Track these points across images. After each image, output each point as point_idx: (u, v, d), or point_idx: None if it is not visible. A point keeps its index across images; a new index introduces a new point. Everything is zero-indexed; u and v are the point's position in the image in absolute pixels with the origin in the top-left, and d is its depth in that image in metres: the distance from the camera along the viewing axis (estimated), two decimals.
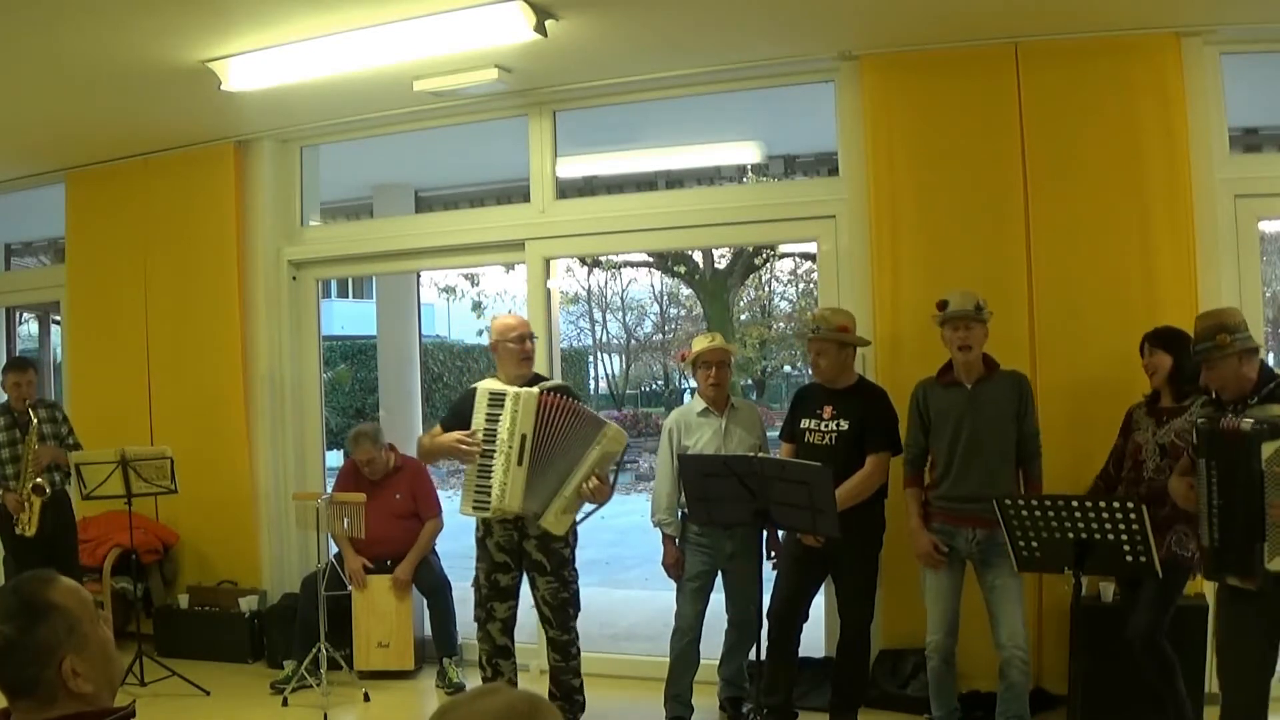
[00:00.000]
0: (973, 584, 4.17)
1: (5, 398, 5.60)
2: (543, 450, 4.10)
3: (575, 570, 4.39)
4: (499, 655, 4.34)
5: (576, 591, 4.38)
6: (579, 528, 4.37)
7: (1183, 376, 3.93)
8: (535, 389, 4.16)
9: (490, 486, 4.12)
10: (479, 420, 4.18)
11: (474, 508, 4.19)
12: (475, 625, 4.39)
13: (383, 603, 5.42)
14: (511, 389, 4.17)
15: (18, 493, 5.40)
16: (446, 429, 4.32)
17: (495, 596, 4.31)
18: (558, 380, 4.67)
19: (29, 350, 11.01)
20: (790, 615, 4.36)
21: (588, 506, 4.24)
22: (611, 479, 4.23)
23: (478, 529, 4.36)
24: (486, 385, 4.26)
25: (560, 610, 4.31)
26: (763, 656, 4.05)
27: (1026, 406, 4.13)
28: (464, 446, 4.14)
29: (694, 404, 4.64)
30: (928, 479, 4.24)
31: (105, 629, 1.68)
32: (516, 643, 4.44)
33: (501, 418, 4.12)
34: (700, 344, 4.56)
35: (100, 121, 5.64)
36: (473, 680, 5.12)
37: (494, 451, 4.13)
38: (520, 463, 4.07)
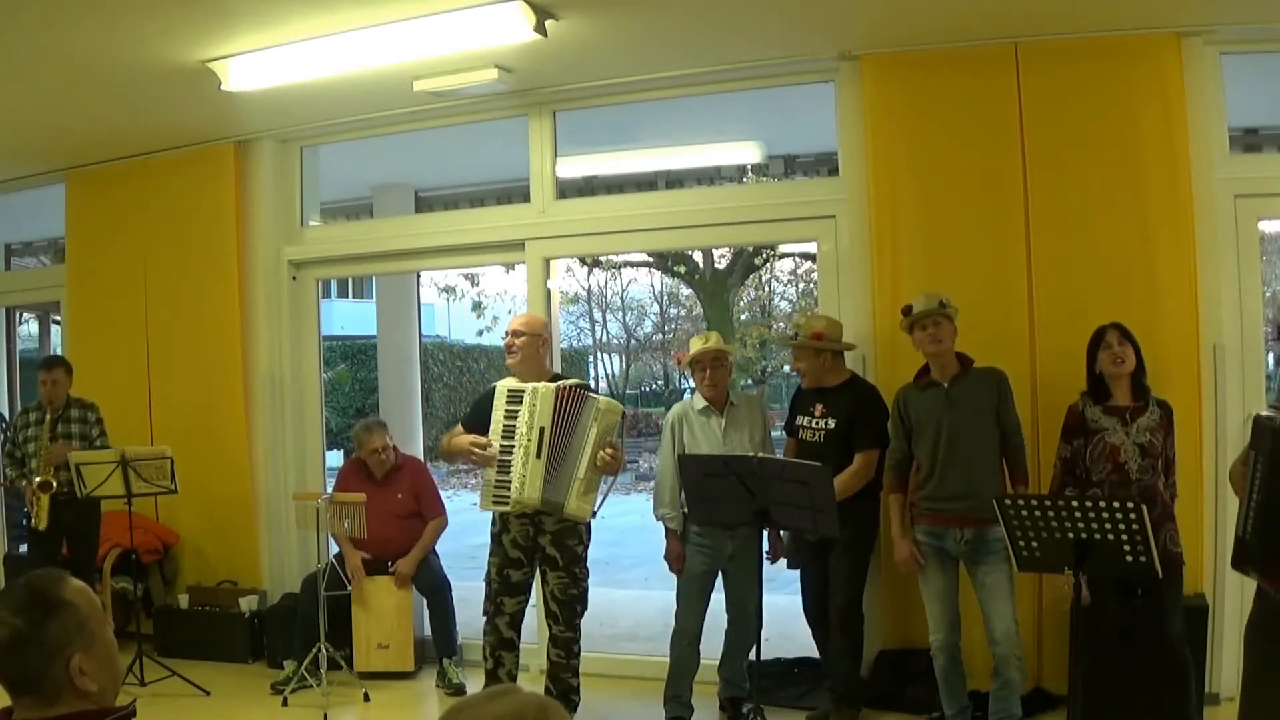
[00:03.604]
0: (968, 583, 4.17)
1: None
2: (558, 442, 4.19)
3: (587, 569, 4.45)
4: (503, 648, 4.40)
5: (586, 590, 4.43)
6: (592, 526, 4.41)
7: (1140, 373, 3.97)
8: (552, 384, 4.23)
9: (509, 481, 4.20)
10: (498, 416, 4.28)
11: (494, 502, 4.27)
12: (476, 625, 4.43)
13: (382, 604, 5.42)
14: (530, 385, 4.26)
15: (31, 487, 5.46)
16: (468, 427, 4.45)
17: (505, 591, 4.37)
18: (576, 380, 4.71)
19: (29, 350, 11.00)
20: (825, 610, 4.49)
21: (605, 481, 4.28)
22: (620, 445, 4.30)
23: (494, 524, 4.43)
24: (505, 384, 4.38)
25: (568, 606, 4.37)
26: (763, 657, 4.05)
27: (1005, 402, 4.13)
28: (477, 452, 4.25)
29: (695, 399, 4.63)
30: (912, 483, 4.25)
31: (110, 632, 1.69)
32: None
33: (520, 413, 4.23)
34: (695, 345, 4.57)
35: (100, 121, 5.63)
36: (473, 680, 5.13)
37: (512, 447, 4.21)
38: (539, 455, 4.16)
